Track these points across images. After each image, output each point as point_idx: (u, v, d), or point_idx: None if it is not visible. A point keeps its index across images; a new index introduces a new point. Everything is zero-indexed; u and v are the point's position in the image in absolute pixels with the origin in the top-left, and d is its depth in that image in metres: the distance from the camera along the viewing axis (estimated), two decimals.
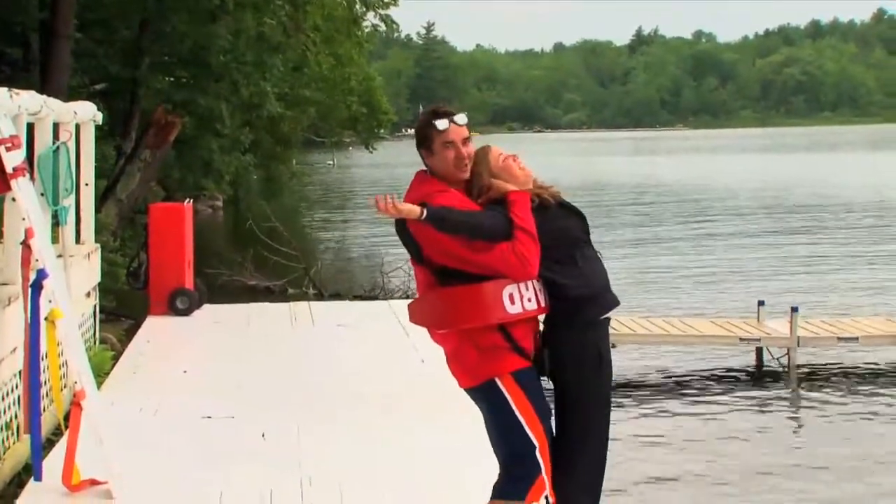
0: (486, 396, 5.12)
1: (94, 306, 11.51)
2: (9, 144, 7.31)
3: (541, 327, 5.28)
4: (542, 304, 5.13)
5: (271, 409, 8.87)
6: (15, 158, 7.39)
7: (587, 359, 5.18)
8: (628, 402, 12.67)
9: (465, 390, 5.23)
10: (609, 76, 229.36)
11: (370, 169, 71.45)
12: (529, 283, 5.07)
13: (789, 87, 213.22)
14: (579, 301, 5.16)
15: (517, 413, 5.05)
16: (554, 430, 5.21)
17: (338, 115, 38.04)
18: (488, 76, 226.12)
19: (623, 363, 14.41)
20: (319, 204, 46.28)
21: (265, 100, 25.88)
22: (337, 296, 18.47)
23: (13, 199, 7.79)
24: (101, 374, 9.65)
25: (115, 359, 11.02)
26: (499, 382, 5.06)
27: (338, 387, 9.69)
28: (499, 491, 5.17)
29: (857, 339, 13.92)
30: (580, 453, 5.22)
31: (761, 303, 14.61)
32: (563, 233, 5.20)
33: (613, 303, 5.29)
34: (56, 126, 9.74)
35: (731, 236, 30.69)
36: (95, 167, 11.68)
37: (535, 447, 5.07)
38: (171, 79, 25.51)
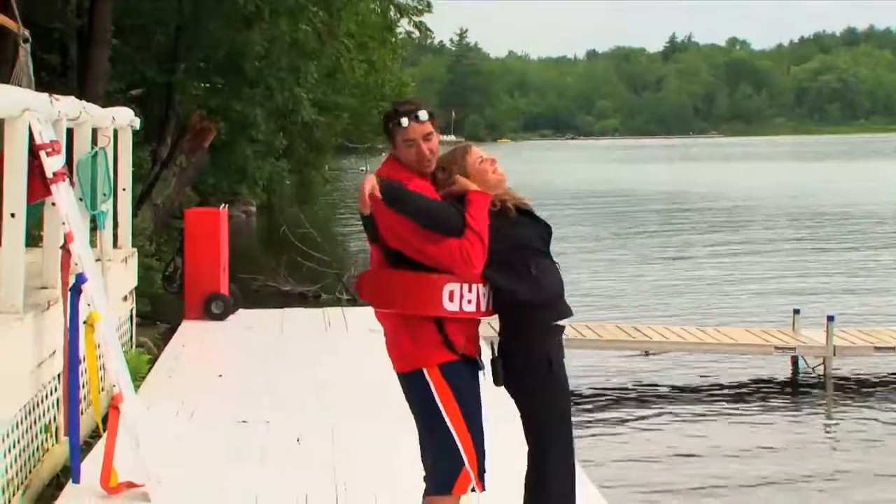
0: (413, 385, 5.23)
1: (131, 310, 11.59)
2: (49, 149, 7.38)
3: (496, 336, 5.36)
4: (483, 309, 5.22)
5: (306, 414, 8.91)
6: (55, 163, 7.47)
7: (537, 366, 5.26)
8: (662, 411, 12.62)
9: (398, 376, 5.32)
10: (642, 83, 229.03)
11: None
12: (474, 287, 5.16)
13: (824, 94, 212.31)
14: (529, 308, 5.22)
15: (440, 405, 5.15)
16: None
17: (371, 121, 38.12)
18: (521, 83, 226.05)
19: (656, 372, 14.39)
20: (352, 210, 46.34)
21: (299, 106, 26.00)
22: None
23: (53, 204, 7.85)
24: (137, 378, 9.71)
25: (152, 363, 11.08)
26: (426, 373, 5.16)
27: (371, 391, 9.69)
28: (427, 486, 5.30)
29: (893, 348, 13.82)
30: (542, 461, 5.32)
31: (797, 311, 14.52)
32: (519, 240, 5.24)
33: (565, 312, 5.36)
34: (94, 131, 9.81)
35: (764, 244, 30.53)
36: (132, 172, 11.75)
37: (456, 441, 5.15)
38: (207, 84, 25.67)
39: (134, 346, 11.60)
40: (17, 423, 6.94)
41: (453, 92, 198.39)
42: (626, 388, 13.67)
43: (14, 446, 6.84)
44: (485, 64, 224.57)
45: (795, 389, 13.76)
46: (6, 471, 6.62)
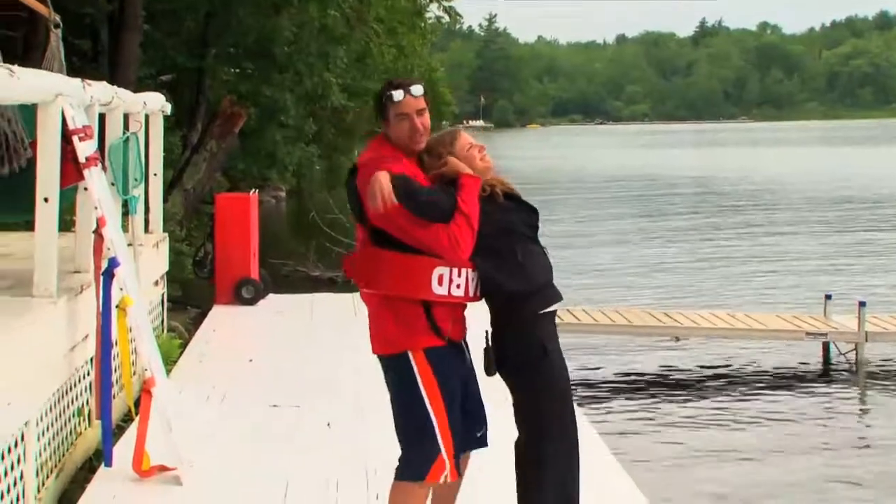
0: (395, 368, 5.14)
1: (162, 295, 11.64)
2: (82, 134, 7.41)
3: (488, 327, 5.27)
4: (471, 294, 5.14)
5: (336, 398, 8.92)
6: (88, 148, 7.50)
7: (531, 353, 5.18)
8: (692, 397, 12.60)
9: (378, 357, 5.25)
10: (672, 68, 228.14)
11: None
12: (463, 271, 5.08)
13: (855, 78, 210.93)
14: (518, 296, 5.16)
15: (422, 390, 5.06)
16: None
17: None
18: (550, 68, 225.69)
19: (686, 358, 14.36)
20: None
21: (329, 91, 25.99)
22: None
23: (85, 189, 7.89)
24: (169, 362, 9.75)
25: (183, 347, 11.13)
26: (410, 356, 5.08)
27: None
28: (399, 472, 5.22)
29: None
30: (541, 450, 5.21)
31: (828, 296, 14.46)
32: (506, 225, 5.19)
33: (555, 298, 5.29)
34: (126, 116, 9.84)
35: (795, 229, 30.43)
36: (163, 157, 11.79)
37: (434, 426, 5.07)
38: (237, 70, 25.69)
39: (165, 331, 11.66)
40: (51, 407, 6.99)
41: (482, 77, 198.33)
42: (656, 375, 13.65)
43: (47, 430, 6.89)
44: (514, 49, 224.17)
45: (827, 376, 13.72)
46: (40, 454, 6.67)
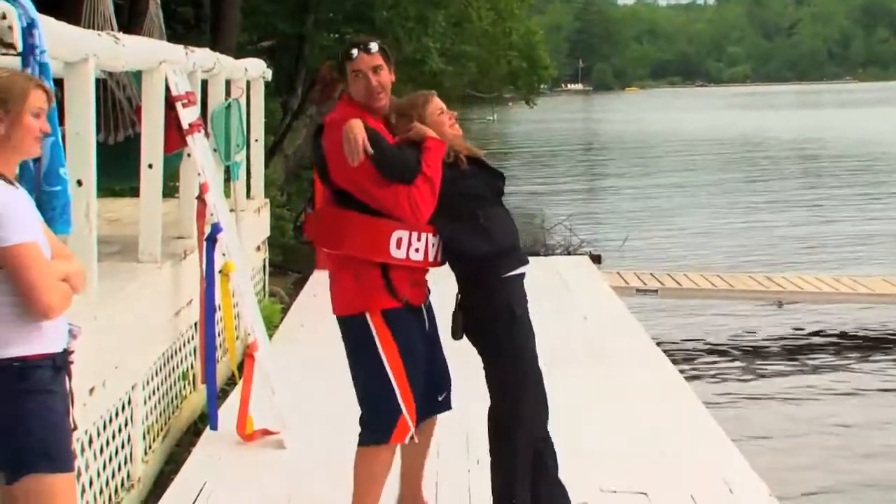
0: (353, 329, 5.14)
1: (264, 260, 11.74)
2: (185, 101, 7.49)
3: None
4: (431, 259, 5.12)
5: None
6: (191, 115, 7.58)
7: (499, 317, 5.16)
8: (796, 362, 12.43)
9: (337, 319, 5.24)
10: (774, 28, 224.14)
11: (530, 124, 71.28)
12: (423, 236, 5.06)
13: None
14: (481, 259, 5.13)
15: (381, 352, 5.06)
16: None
17: (498, 71, 37.91)
18: (650, 30, 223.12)
19: (790, 322, 14.15)
20: None
21: (427, 55, 25.94)
22: None
23: (188, 155, 7.98)
24: (271, 327, 9.85)
25: (284, 312, 11.22)
26: (368, 318, 5.07)
27: None
28: (363, 437, 5.20)
29: None
30: (513, 411, 5.21)
31: None
32: (469, 190, 5.15)
33: (520, 261, 5.26)
34: (228, 83, 9.92)
35: None
36: (264, 123, 11.87)
37: (395, 387, 5.06)
38: (336, 35, 25.75)
39: (267, 296, 11.76)
40: (157, 371, 7.09)
41: (580, 40, 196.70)
42: (760, 340, 13.48)
43: (154, 393, 7.00)
44: (612, 11, 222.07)
45: None
46: (147, 416, 6.78)
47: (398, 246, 5.02)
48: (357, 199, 5.04)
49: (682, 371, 9.44)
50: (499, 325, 5.18)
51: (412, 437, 5.14)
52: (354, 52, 5.11)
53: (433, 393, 5.34)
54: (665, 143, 54.36)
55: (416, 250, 5.06)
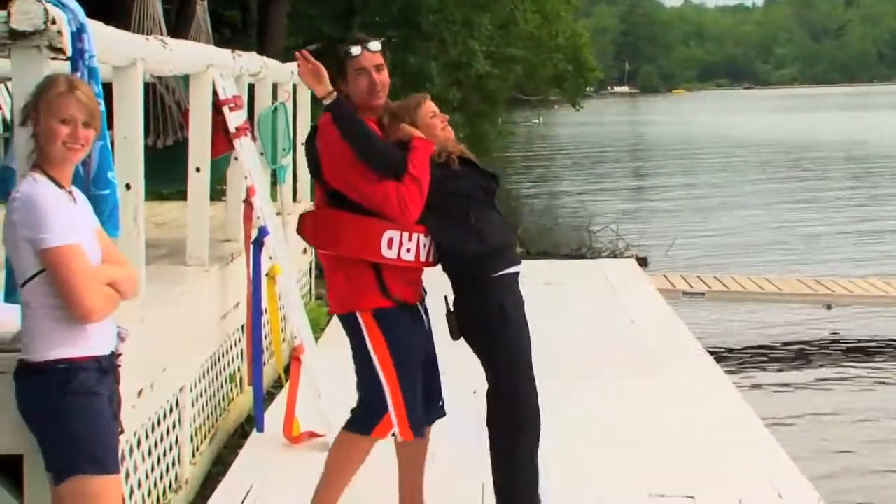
0: (348, 327, 5.22)
1: (310, 263, 11.76)
2: (232, 104, 7.52)
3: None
4: (423, 259, 5.16)
5: (480, 367, 8.88)
6: (238, 118, 7.61)
7: (491, 316, 5.19)
8: (845, 367, 12.31)
9: (337, 317, 5.34)
10: (823, 30, 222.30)
11: (576, 127, 71.09)
12: (414, 236, 5.10)
13: None
14: (472, 259, 5.16)
15: (371, 350, 5.13)
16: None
17: (544, 73, 37.85)
18: (697, 32, 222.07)
19: (841, 325, 14.02)
20: (525, 162, 46.28)
21: (473, 58, 25.97)
22: (544, 254, 18.43)
23: (235, 158, 8.01)
24: (317, 330, 9.86)
25: (330, 315, 11.21)
26: (359, 317, 5.13)
27: (546, 345, 9.58)
28: (350, 423, 5.29)
29: None
30: (512, 408, 5.29)
31: None
32: (460, 190, 5.19)
33: (512, 261, 5.28)
34: (275, 86, 9.95)
35: None
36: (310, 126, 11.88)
37: (383, 385, 5.13)
38: (382, 39, 25.79)
39: (313, 299, 11.78)
40: (204, 373, 7.12)
41: (627, 42, 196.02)
42: (809, 343, 13.36)
43: (201, 395, 7.03)
44: (659, 13, 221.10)
45: None
46: (195, 418, 6.81)
47: (389, 246, 5.08)
48: (349, 200, 5.10)
49: (729, 374, 9.37)
50: (491, 324, 5.22)
51: (396, 435, 5.24)
52: (357, 49, 5.19)
53: (434, 396, 5.42)
54: (711, 145, 54.06)
55: (408, 250, 5.12)
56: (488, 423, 5.40)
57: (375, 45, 5.22)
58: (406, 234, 5.09)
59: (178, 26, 10.89)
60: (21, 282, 3.97)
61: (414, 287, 5.28)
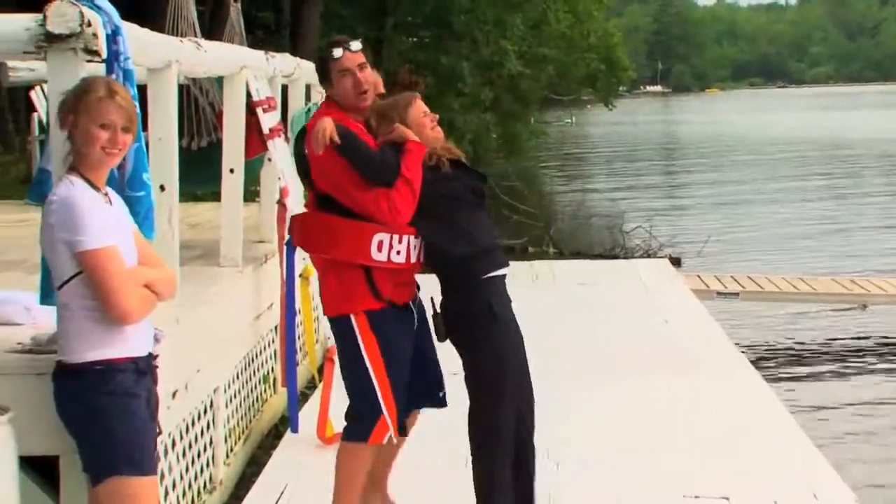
0: (339, 330, 5.21)
1: None
2: (265, 106, 7.54)
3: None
4: (413, 261, 5.15)
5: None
6: (271, 119, 7.63)
7: (478, 318, 5.15)
8: (880, 367, 12.22)
9: (328, 319, 5.32)
10: (858, 28, 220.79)
11: (609, 126, 70.92)
12: (404, 238, 5.09)
13: None
14: (461, 260, 5.14)
15: (363, 352, 5.12)
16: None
17: (576, 73, 37.85)
18: (730, 31, 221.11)
19: (877, 325, 13.92)
20: (558, 162, 46.19)
21: (505, 58, 26.01)
22: (577, 254, 18.39)
23: (269, 160, 8.03)
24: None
25: None
26: (352, 319, 5.12)
27: (579, 346, 9.66)
28: (346, 433, 5.28)
29: None
30: (494, 413, 5.20)
31: None
32: (449, 192, 5.17)
33: (500, 263, 5.25)
34: (308, 87, 9.96)
35: None
36: None
37: (376, 388, 5.11)
38: (414, 39, 25.85)
39: None
40: (238, 374, 7.14)
41: (659, 41, 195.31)
42: (844, 343, 13.27)
43: (235, 396, 7.05)
44: (691, 12, 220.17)
45: None
46: (229, 419, 6.82)
47: (379, 249, 5.08)
48: (339, 203, 5.11)
49: (764, 375, 9.31)
50: (478, 325, 5.19)
51: (391, 438, 5.21)
52: (339, 51, 5.19)
53: (430, 390, 5.43)
54: (745, 144, 53.78)
55: (398, 252, 5.11)
56: (469, 429, 5.34)
57: (356, 45, 5.25)
58: (396, 237, 5.09)
59: (212, 28, 10.94)
60: (58, 284, 4.00)
61: (405, 288, 5.28)
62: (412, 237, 5.13)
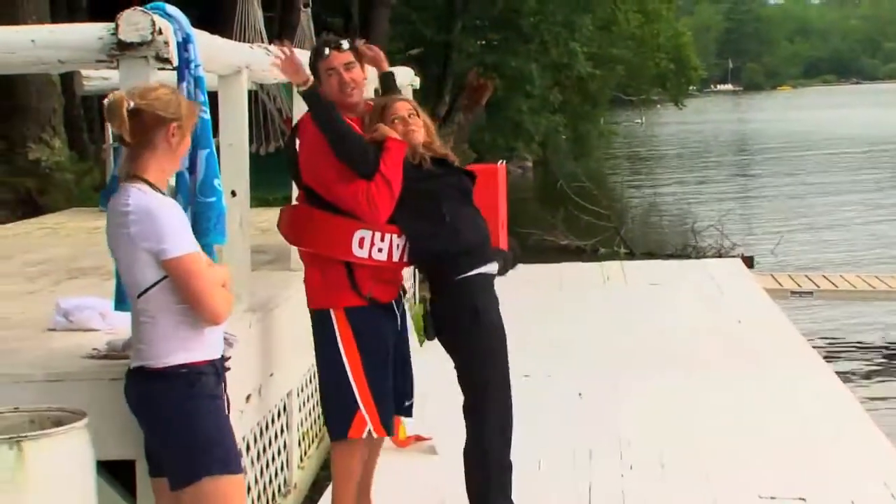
0: (319, 324, 5.28)
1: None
2: None
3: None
4: (395, 259, 5.19)
5: (587, 369, 8.88)
6: None
7: (463, 315, 5.16)
8: None
9: (309, 311, 5.36)
10: None
11: (679, 126, 70.41)
12: (386, 236, 5.14)
13: None
14: (445, 257, 5.15)
15: (341, 348, 5.18)
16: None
17: (646, 73, 37.67)
18: (801, 28, 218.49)
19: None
20: (628, 163, 45.91)
21: (574, 59, 25.96)
22: (648, 255, 18.29)
23: None
24: (421, 332, 9.87)
25: None
26: (332, 314, 5.18)
27: (652, 346, 9.60)
28: (329, 432, 5.34)
29: None
30: (481, 410, 5.27)
31: None
32: (433, 189, 5.18)
33: (486, 260, 5.25)
34: (376, 92, 9.99)
35: None
36: None
37: (352, 384, 5.16)
38: (483, 42, 25.86)
39: (417, 301, 11.83)
40: (310, 379, 7.18)
41: (730, 40, 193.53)
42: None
43: (308, 400, 7.09)
44: (763, 10, 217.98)
45: None
46: (301, 423, 6.87)
47: (360, 245, 5.15)
48: (323, 198, 5.18)
49: (839, 374, 9.21)
50: (463, 323, 5.20)
51: (370, 433, 5.24)
52: (326, 50, 5.27)
53: (400, 396, 5.47)
54: (816, 142, 53.18)
55: (380, 250, 5.17)
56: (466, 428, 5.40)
57: (344, 45, 5.31)
58: (378, 234, 5.16)
59: (282, 33, 11.02)
60: (138, 292, 4.01)
61: (388, 286, 5.33)
62: (395, 236, 5.20)
